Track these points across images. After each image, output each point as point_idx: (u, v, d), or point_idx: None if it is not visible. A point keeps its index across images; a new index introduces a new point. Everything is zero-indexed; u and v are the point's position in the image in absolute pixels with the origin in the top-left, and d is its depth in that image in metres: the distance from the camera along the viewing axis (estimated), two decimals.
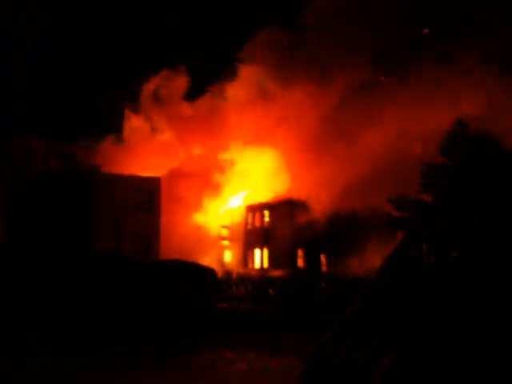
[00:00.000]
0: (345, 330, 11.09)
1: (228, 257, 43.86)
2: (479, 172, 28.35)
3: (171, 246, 34.95)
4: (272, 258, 40.82)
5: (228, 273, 31.04)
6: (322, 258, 39.57)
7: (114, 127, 43.46)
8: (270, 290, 28.79)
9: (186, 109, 44.92)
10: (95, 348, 17.30)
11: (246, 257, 42.68)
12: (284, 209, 40.65)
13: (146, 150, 42.08)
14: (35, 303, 20.92)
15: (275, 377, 13.62)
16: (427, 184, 31.18)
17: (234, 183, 43.23)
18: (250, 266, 41.64)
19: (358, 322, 11.23)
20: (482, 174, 28.27)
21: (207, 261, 33.98)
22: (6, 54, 34.42)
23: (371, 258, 29.64)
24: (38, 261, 22.70)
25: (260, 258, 42.05)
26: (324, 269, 38.69)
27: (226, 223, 43.88)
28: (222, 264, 39.89)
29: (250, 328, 22.64)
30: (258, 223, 43.40)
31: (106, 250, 26.60)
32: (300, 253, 40.56)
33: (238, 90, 43.31)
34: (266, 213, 42.87)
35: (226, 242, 43.87)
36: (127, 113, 44.07)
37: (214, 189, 42.00)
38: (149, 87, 44.12)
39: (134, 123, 44.44)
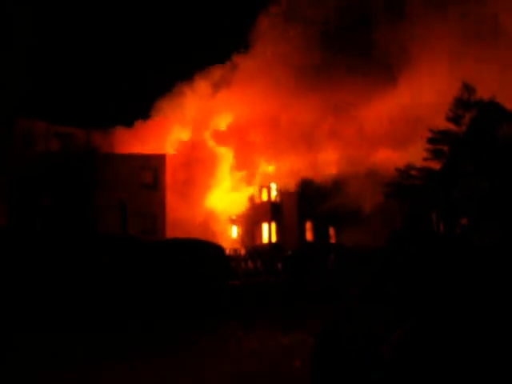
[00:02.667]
0: (356, 303, 10.94)
1: (235, 233, 43.81)
2: (487, 137, 28.07)
3: (178, 225, 34.90)
4: (280, 232, 40.72)
5: (236, 249, 30.98)
6: (331, 230, 39.46)
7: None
8: (279, 265, 28.70)
9: None
10: (108, 333, 17.19)
11: (254, 232, 42.61)
12: (291, 182, 40.40)
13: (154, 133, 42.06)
14: (43, 291, 20.81)
15: (287, 354, 13.48)
16: (435, 151, 30.99)
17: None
18: (258, 242, 41.59)
19: (369, 295, 11.07)
20: (490, 138, 27.96)
21: (215, 238, 33.87)
22: (10, 37, 34.05)
23: (379, 228, 29.49)
24: (44, 246, 22.57)
25: (268, 232, 41.96)
26: (333, 241, 38.59)
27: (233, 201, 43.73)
28: (230, 240, 39.85)
29: (261, 304, 22.58)
30: (265, 198, 43.25)
31: (111, 232, 26.44)
32: (308, 225, 40.43)
33: None
34: (274, 187, 42.70)
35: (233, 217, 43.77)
36: None
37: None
38: None
39: None
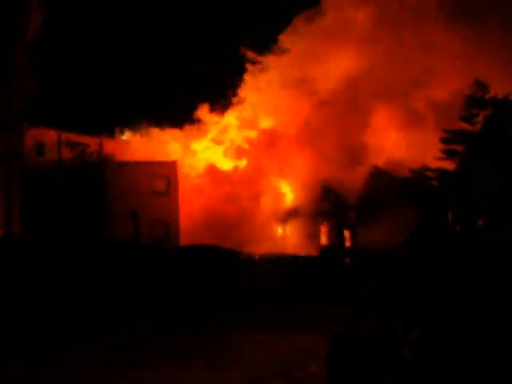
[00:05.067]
0: (371, 305, 10.71)
1: None
2: (503, 135, 27.69)
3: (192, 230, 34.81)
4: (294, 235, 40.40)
5: (250, 254, 30.74)
6: (346, 232, 39.11)
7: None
8: (294, 267, 28.47)
9: None
10: (122, 335, 17.08)
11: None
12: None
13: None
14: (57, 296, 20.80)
15: (301, 355, 13.30)
16: (449, 150, 30.65)
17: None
18: None
19: (385, 297, 10.84)
20: (506, 137, 27.59)
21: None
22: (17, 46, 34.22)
23: (395, 230, 29.14)
24: (58, 255, 22.60)
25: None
26: (348, 244, 38.23)
27: None
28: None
29: (275, 307, 22.42)
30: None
31: (124, 240, 26.36)
32: (323, 229, 40.12)
33: None
34: (288, 190, 42.46)
35: None
36: None
37: None
38: None
39: None
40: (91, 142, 39.90)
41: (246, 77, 43.39)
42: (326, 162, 37.83)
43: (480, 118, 29.84)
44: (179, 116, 44.05)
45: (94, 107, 52.63)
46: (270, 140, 40.80)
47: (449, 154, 30.08)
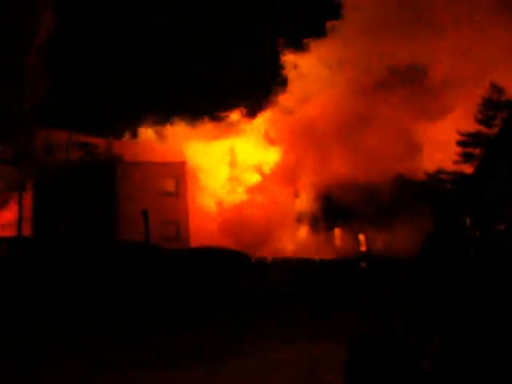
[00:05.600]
0: (388, 312, 10.33)
1: None
2: None
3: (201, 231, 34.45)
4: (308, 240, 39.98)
5: (262, 257, 30.40)
6: (361, 237, 38.60)
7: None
8: (309, 271, 28.11)
9: None
10: (127, 337, 16.80)
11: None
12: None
13: None
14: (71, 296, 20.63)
15: (315, 363, 12.93)
16: (465, 154, 30.10)
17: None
18: None
19: (402, 303, 10.45)
20: None
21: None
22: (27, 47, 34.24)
23: (410, 234, 28.65)
24: (66, 254, 22.42)
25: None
26: (363, 248, 37.70)
27: None
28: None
29: (287, 312, 22.03)
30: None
31: (133, 241, 26.13)
32: (337, 233, 39.65)
33: None
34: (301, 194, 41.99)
35: None
36: None
37: None
38: None
39: None
40: (100, 143, 39.77)
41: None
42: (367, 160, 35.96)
43: (497, 121, 29.33)
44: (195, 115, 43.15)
45: (104, 108, 52.42)
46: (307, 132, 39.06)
47: (465, 157, 29.54)
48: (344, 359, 9.16)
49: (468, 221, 23.06)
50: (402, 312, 10.08)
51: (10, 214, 36.19)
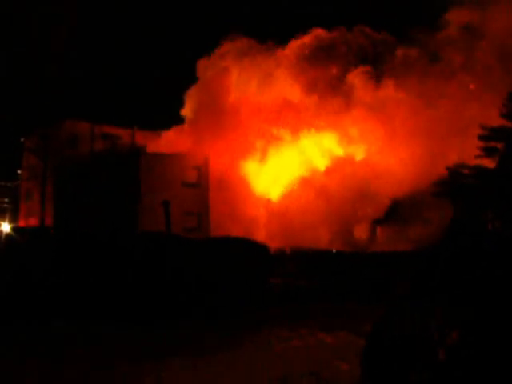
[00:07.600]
0: (407, 302, 10.35)
1: None
2: None
3: (222, 223, 34.64)
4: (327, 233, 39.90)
5: (281, 249, 30.45)
6: (379, 230, 38.51)
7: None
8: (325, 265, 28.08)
9: None
10: (122, 335, 16.90)
11: None
12: None
13: None
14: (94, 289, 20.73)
15: (330, 353, 12.99)
16: (487, 148, 29.76)
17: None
18: None
19: (422, 295, 10.46)
20: None
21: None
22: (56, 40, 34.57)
23: (431, 229, 28.53)
24: (90, 245, 22.63)
25: None
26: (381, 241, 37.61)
27: None
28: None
29: (303, 303, 22.11)
30: None
31: (155, 230, 26.29)
32: (356, 226, 39.54)
33: None
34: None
35: None
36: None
37: None
38: None
39: None
40: (124, 134, 40.10)
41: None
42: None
43: None
44: None
45: (128, 100, 52.85)
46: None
47: (488, 152, 29.18)
48: (363, 348, 9.23)
49: (489, 215, 22.93)
50: (422, 304, 10.10)
51: (34, 205, 36.83)
